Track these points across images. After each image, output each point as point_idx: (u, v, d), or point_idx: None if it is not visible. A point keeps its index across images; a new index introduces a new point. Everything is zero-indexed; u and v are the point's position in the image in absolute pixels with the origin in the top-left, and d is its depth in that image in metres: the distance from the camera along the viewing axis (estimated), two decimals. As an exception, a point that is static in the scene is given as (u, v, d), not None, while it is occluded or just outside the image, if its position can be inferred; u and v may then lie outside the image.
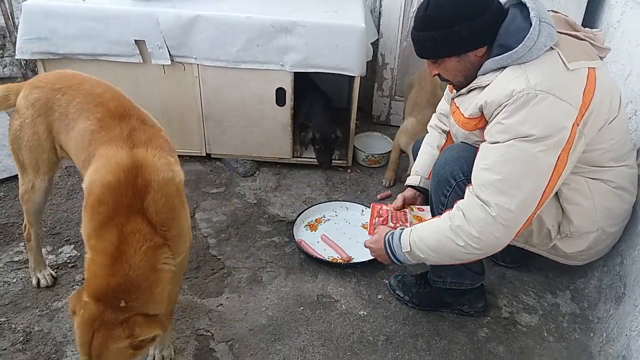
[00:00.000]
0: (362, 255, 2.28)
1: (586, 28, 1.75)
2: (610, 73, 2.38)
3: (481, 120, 1.69)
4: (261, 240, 2.45)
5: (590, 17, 2.94)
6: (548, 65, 1.57)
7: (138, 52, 2.58)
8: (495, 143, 1.59)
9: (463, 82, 1.76)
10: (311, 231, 2.49)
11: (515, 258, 2.28)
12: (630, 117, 2.14)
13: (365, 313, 2.09)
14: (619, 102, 1.72)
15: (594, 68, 1.61)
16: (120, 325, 1.33)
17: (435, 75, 1.79)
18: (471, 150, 1.74)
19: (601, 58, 1.69)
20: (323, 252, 2.35)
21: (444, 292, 2.04)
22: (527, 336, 2.02)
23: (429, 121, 2.26)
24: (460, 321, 2.06)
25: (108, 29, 2.53)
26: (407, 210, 2.11)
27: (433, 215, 1.91)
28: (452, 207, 1.68)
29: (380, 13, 3.15)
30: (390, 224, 2.01)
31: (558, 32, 1.62)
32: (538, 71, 1.56)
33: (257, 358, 1.89)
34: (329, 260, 2.29)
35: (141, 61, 2.61)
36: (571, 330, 2.04)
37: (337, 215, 2.59)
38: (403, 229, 1.79)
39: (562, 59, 1.57)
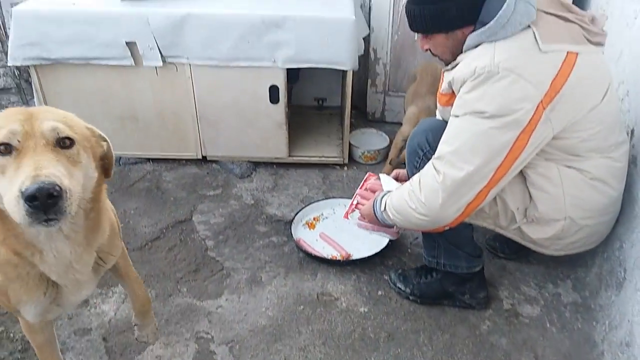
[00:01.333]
0: (361, 251, 2.27)
1: (588, 12, 1.71)
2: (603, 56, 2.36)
3: (452, 97, 1.71)
4: (259, 240, 2.43)
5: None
6: (519, 43, 1.56)
7: (130, 54, 2.56)
8: (453, 116, 1.65)
9: (450, 59, 1.76)
10: (309, 229, 2.47)
11: (514, 249, 2.27)
12: (622, 99, 2.12)
13: (366, 310, 2.07)
14: (605, 91, 1.67)
15: (575, 53, 1.57)
16: None
17: (426, 49, 1.80)
18: (438, 122, 1.85)
19: (596, 43, 1.65)
20: (322, 250, 2.33)
21: (444, 280, 2.04)
22: (529, 327, 2.00)
23: (429, 106, 2.26)
24: (461, 315, 2.05)
25: (99, 31, 2.51)
26: None
27: None
28: None
29: (370, 8, 3.14)
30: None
31: (544, 11, 1.60)
32: (506, 49, 1.55)
33: (258, 359, 1.87)
34: (329, 257, 2.28)
35: (133, 64, 2.59)
36: (573, 319, 2.03)
37: (334, 213, 2.58)
38: (386, 193, 1.88)
39: (536, 39, 1.55)
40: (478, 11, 1.64)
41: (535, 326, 2.01)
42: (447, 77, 1.75)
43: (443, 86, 1.78)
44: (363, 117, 3.48)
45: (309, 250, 2.30)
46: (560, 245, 1.85)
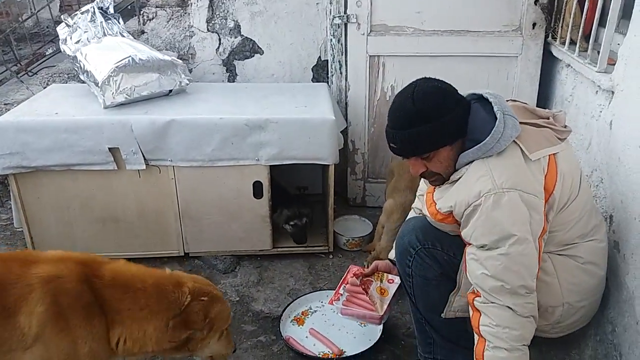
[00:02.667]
0: (353, 347, 2.22)
1: (546, 110, 1.83)
2: (572, 146, 2.49)
3: (449, 217, 1.73)
4: (247, 341, 2.36)
5: (545, 92, 3.14)
6: (511, 160, 1.63)
7: (112, 159, 2.60)
8: (483, 247, 1.62)
9: (452, 172, 1.74)
10: (298, 325, 2.42)
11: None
12: (597, 185, 2.22)
13: (363, 411, 1.99)
14: (580, 181, 1.76)
15: (554, 154, 1.67)
16: None
17: (422, 172, 1.76)
18: (424, 221, 1.88)
19: (563, 140, 1.74)
20: (313, 347, 2.27)
21: None
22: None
23: (405, 202, 2.31)
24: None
25: (81, 139, 2.56)
26: (372, 279, 2.14)
27: (404, 286, 2.01)
28: (417, 276, 1.86)
29: (347, 103, 3.30)
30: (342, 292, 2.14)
31: (520, 122, 1.69)
32: (502, 168, 1.61)
33: None
34: (320, 356, 2.21)
35: (115, 168, 2.62)
36: (574, 407, 1.99)
37: (323, 305, 2.54)
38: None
39: (523, 152, 1.63)
40: (467, 124, 1.69)
41: (538, 417, 1.95)
42: (447, 197, 1.71)
43: (440, 205, 1.75)
44: (345, 203, 3.54)
45: (300, 349, 2.24)
46: (559, 328, 1.87)
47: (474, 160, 1.66)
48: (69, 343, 1.51)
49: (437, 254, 1.84)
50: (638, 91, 1.94)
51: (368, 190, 3.49)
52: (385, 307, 2.03)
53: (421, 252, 1.85)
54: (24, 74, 3.83)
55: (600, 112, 2.32)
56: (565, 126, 1.78)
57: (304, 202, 3.10)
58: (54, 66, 3.92)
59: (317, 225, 3.19)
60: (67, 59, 3.74)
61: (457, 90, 1.74)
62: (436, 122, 1.63)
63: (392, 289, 2.08)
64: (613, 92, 2.16)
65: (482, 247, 1.62)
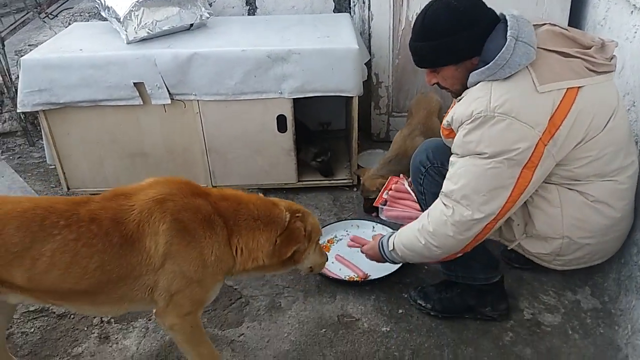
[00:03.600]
0: (378, 271, 2.28)
1: (594, 37, 1.74)
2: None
3: (452, 132, 1.78)
4: (276, 266, 2.45)
5: (576, 16, 3.00)
6: (515, 86, 1.62)
7: (138, 94, 2.63)
8: (455, 155, 1.74)
9: (461, 90, 1.80)
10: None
11: (529, 259, 2.28)
12: (628, 109, 2.16)
13: (388, 329, 2.08)
14: (608, 119, 1.69)
15: (577, 87, 1.62)
16: None
17: (434, 84, 1.85)
18: (437, 141, 1.99)
19: (602, 73, 1.67)
20: (339, 271, 2.35)
21: (465, 294, 2.05)
22: (552, 336, 2.01)
23: (411, 134, 2.68)
24: (484, 327, 2.06)
25: (107, 74, 2.58)
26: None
27: (419, 204, 2.13)
28: (429, 193, 1.95)
29: (370, 35, 3.22)
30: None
31: (546, 49, 1.65)
32: (503, 92, 1.61)
33: (285, 385, 1.88)
34: (347, 279, 2.29)
35: (141, 103, 2.66)
36: (595, 325, 2.03)
37: (348, 234, 2.59)
38: (392, 234, 1.95)
39: (533, 81, 1.60)
40: (485, 42, 1.68)
41: (558, 334, 2.01)
42: (449, 114, 1.79)
43: (444, 121, 1.84)
44: (368, 138, 3.53)
45: (326, 273, 2.32)
46: (562, 261, 1.89)
47: (480, 81, 1.68)
48: (197, 254, 1.56)
49: (445, 173, 1.84)
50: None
51: (392, 124, 3.46)
52: None
53: (431, 170, 1.96)
54: (46, 16, 3.83)
55: (635, 32, 2.22)
56: (612, 58, 1.71)
57: (325, 138, 3.11)
58: (72, 7, 3.91)
59: (341, 159, 3.21)
60: (87, -3, 3.74)
61: (482, 9, 1.71)
62: (435, 42, 1.70)
63: None
64: (650, 10, 2.06)
65: (454, 154, 1.74)
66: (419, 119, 2.85)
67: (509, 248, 1.92)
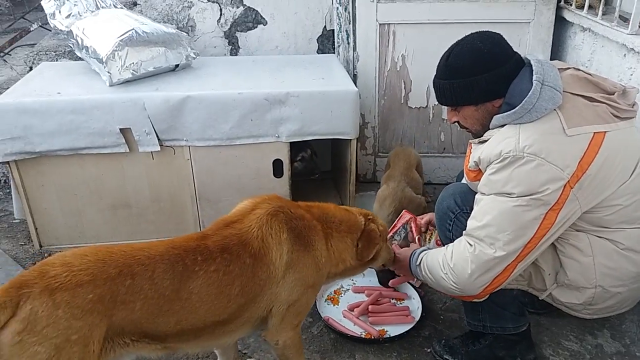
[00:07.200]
0: (393, 326, 2.17)
1: (615, 83, 1.74)
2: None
3: (480, 173, 1.75)
4: (283, 324, 2.28)
5: (556, 58, 3.10)
6: (544, 127, 1.60)
7: (124, 141, 2.43)
8: (480, 193, 1.70)
9: (480, 131, 1.79)
10: (334, 305, 2.35)
11: (544, 304, 2.23)
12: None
13: (416, 388, 1.95)
14: (635, 166, 1.69)
15: (603, 132, 1.61)
16: None
17: (454, 122, 1.84)
18: (463, 186, 1.93)
19: (625, 119, 1.67)
20: (353, 327, 2.21)
21: (494, 345, 1.97)
22: (583, 384, 1.96)
23: (398, 189, 2.69)
24: (514, 380, 1.97)
25: (89, 120, 2.38)
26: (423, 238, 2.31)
27: None
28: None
29: (355, 75, 3.19)
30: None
31: (572, 93, 1.65)
32: (531, 133, 1.60)
33: None
34: (363, 336, 2.16)
35: (127, 150, 2.45)
36: (622, 370, 2.01)
37: (355, 283, 2.47)
38: (426, 249, 1.93)
39: (562, 124, 1.60)
40: (508, 85, 1.67)
41: (589, 382, 1.96)
42: (475, 152, 1.76)
43: (470, 162, 1.80)
44: (355, 179, 3.44)
45: (341, 329, 2.17)
46: (592, 310, 1.84)
47: (505, 124, 1.67)
48: (312, 258, 1.68)
49: None
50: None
51: (378, 165, 3.42)
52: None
53: (460, 217, 1.87)
54: (4, 55, 3.55)
55: (632, 75, 2.30)
56: (634, 104, 1.71)
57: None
58: (34, 44, 3.64)
59: (332, 202, 3.08)
60: (51, 35, 3.50)
61: (507, 52, 1.71)
62: (456, 81, 1.72)
63: None
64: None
65: (480, 194, 1.71)
66: (400, 170, 2.86)
67: (540, 298, 1.87)
